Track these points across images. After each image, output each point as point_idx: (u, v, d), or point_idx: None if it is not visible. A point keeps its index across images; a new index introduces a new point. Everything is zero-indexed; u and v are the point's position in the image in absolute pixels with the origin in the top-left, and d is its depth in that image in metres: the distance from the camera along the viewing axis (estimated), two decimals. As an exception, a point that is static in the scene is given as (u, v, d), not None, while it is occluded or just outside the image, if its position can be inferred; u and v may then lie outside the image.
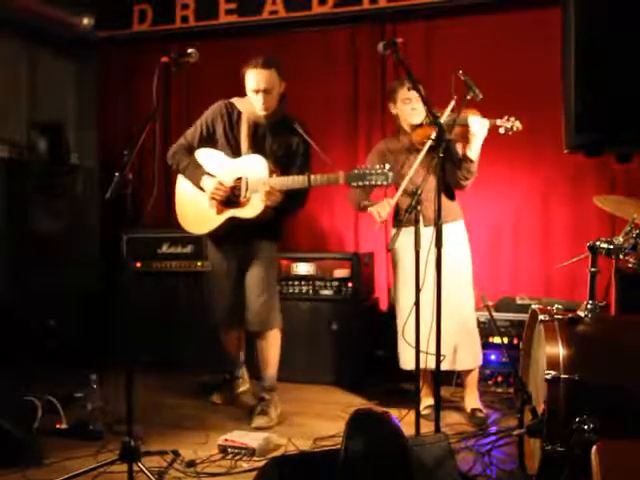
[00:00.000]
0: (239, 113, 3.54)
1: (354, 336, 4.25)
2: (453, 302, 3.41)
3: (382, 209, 3.45)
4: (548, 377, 2.38)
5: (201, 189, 3.48)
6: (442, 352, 2.97)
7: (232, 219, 3.45)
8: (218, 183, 3.42)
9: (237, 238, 3.55)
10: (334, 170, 3.31)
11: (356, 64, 4.82)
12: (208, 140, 3.57)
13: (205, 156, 3.55)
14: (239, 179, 3.43)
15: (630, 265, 2.95)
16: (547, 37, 4.06)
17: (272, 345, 3.68)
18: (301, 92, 4.89)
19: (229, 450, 3.07)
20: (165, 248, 4.68)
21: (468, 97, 3.23)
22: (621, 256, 2.82)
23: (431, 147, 3.26)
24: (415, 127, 3.55)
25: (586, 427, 2.30)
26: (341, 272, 4.34)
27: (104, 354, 4.24)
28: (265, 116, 3.50)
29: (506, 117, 3.35)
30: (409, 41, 4.24)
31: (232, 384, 3.98)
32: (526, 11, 4.35)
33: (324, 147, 4.85)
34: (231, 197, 3.44)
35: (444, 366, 3.48)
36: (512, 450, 3.04)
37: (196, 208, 3.53)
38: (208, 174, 3.47)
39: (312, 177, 3.32)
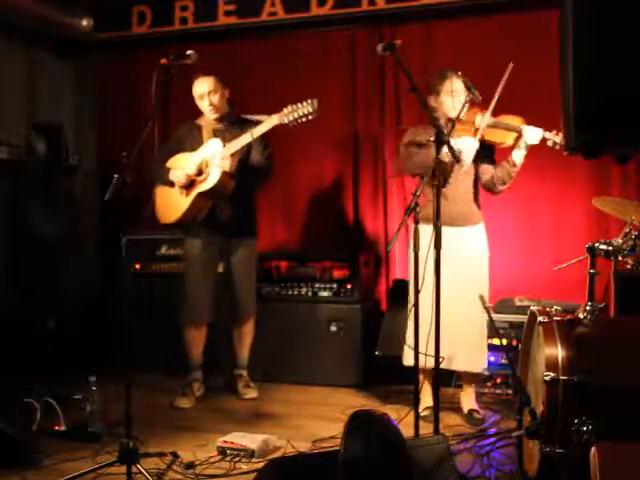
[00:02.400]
0: (199, 127, 3.92)
1: (353, 337, 4.25)
2: (468, 302, 3.39)
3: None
4: (547, 378, 2.38)
5: (171, 184, 3.80)
6: (448, 352, 2.98)
7: (201, 194, 3.74)
8: (181, 170, 3.75)
9: (215, 230, 3.86)
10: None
11: (355, 66, 4.82)
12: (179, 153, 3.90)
13: (174, 159, 3.86)
14: (200, 162, 3.74)
15: (629, 266, 2.96)
16: (546, 39, 4.06)
17: (251, 330, 4.08)
18: (299, 93, 4.88)
19: (228, 452, 3.06)
20: (164, 250, 4.68)
21: (467, 99, 3.23)
22: (620, 257, 2.83)
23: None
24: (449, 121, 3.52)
25: (585, 429, 2.30)
26: (340, 273, 4.35)
27: (103, 356, 4.24)
28: (218, 119, 3.87)
29: (555, 131, 3.40)
30: (408, 43, 4.23)
31: (193, 387, 3.99)
32: (524, 13, 4.35)
33: (322, 148, 4.91)
34: (195, 179, 3.75)
35: (457, 366, 3.50)
36: (511, 452, 3.03)
37: (170, 200, 3.85)
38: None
39: (252, 131, 3.63)
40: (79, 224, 4.97)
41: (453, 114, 3.48)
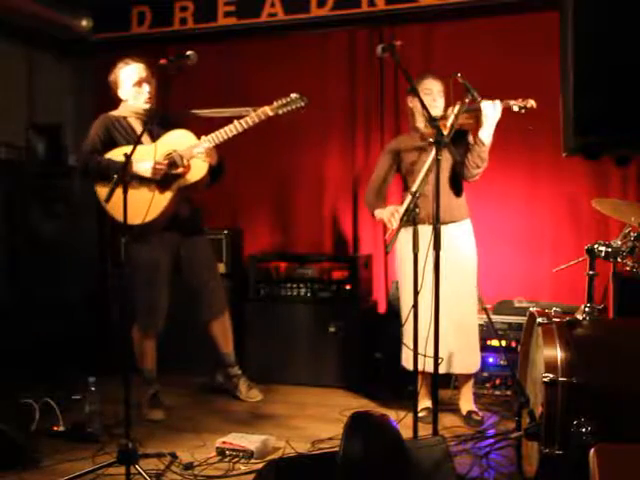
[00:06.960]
0: (124, 118, 3.62)
1: (352, 338, 4.25)
2: (454, 303, 3.40)
3: (392, 217, 3.38)
4: (546, 380, 2.38)
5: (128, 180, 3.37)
6: (442, 354, 2.97)
7: (181, 190, 3.51)
8: (155, 162, 3.42)
9: (173, 228, 3.60)
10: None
11: (354, 67, 4.83)
12: (106, 149, 3.55)
13: (114, 153, 3.48)
14: (169, 154, 3.50)
15: (628, 268, 2.96)
16: (545, 40, 4.07)
17: (230, 324, 3.91)
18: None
19: (227, 452, 3.07)
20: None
21: (467, 100, 3.24)
22: (619, 259, 2.83)
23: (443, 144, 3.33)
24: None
25: (584, 430, 2.30)
26: (339, 274, 4.35)
27: (103, 356, 4.24)
28: (148, 110, 3.59)
29: (520, 99, 3.32)
30: (407, 44, 4.22)
31: (159, 397, 3.78)
32: (524, 14, 4.36)
33: (322, 150, 4.91)
34: (168, 173, 3.48)
35: (452, 369, 3.49)
36: (510, 453, 3.04)
37: (135, 199, 3.35)
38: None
39: (243, 121, 3.43)
40: (78, 225, 4.96)
41: (433, 113, 3.46)
